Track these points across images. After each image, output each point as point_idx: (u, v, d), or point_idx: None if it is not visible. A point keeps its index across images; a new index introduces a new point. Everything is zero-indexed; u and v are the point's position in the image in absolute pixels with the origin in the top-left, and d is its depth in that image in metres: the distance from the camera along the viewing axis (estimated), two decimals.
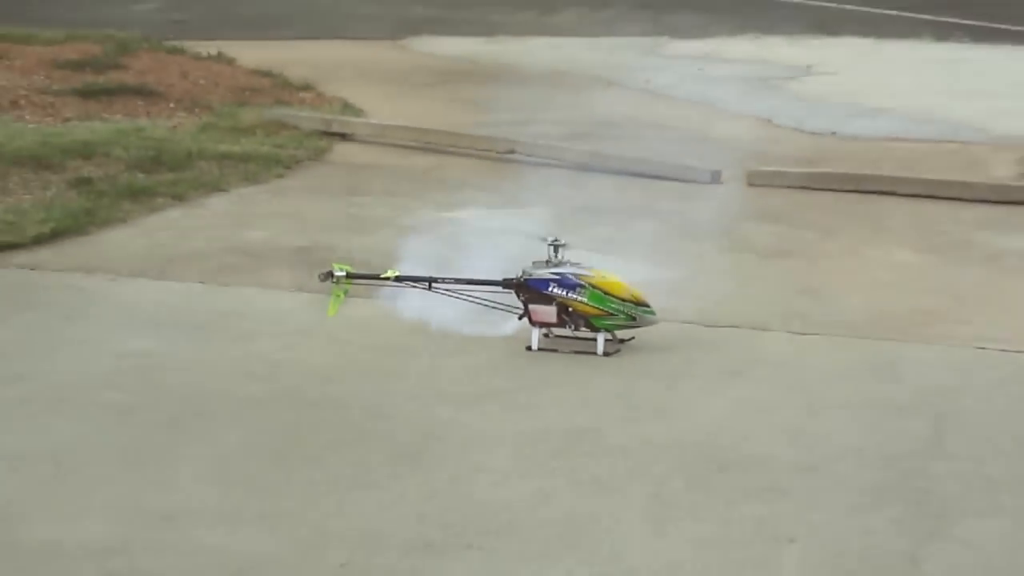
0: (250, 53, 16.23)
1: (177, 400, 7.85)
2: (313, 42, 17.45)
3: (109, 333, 8.78)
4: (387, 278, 8.94)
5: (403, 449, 7.28)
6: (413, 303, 8.97)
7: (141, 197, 11.27)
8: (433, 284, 8.88)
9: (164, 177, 11.70)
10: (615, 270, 8.80)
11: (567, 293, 8.51)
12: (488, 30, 18.56)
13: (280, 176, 12.10)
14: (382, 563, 6.16)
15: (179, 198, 11.37)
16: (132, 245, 10.37)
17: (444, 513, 6.61)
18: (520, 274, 8.65)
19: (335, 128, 13.49)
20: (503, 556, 6.23)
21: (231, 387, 8.05)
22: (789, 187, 11.91)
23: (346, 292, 8.80)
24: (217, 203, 11.36)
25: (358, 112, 14.08)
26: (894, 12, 19.48)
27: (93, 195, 11.19)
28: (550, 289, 8.54)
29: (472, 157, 12.61)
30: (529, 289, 8.58)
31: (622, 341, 8.60)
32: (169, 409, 7.73)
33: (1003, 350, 8.64)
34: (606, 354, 8.49)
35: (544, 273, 8.58)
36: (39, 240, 10.27)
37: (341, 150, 12.90)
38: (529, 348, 8.57)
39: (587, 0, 21.06)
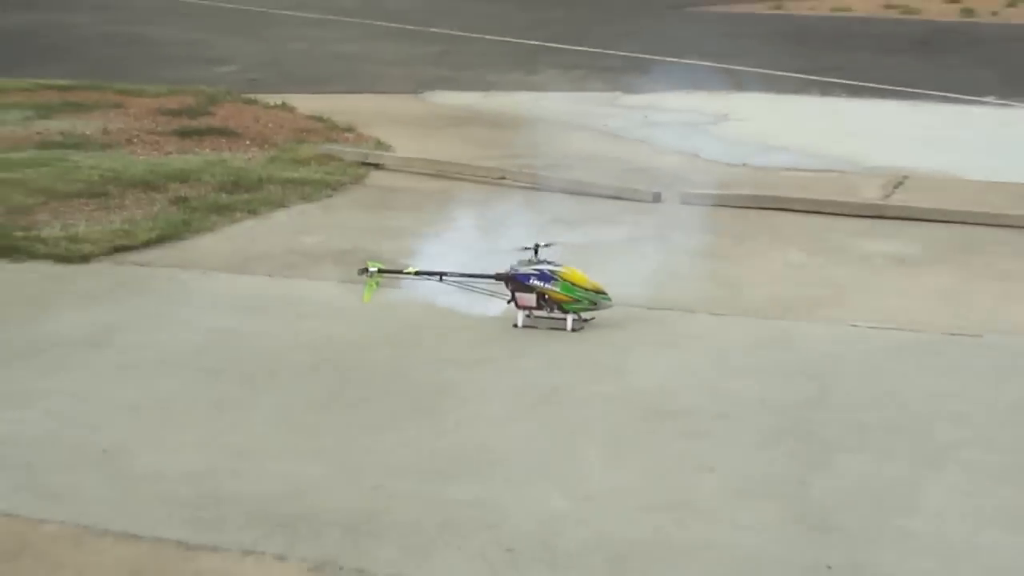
0: (306, 103, 16.22)
1: (251, 364, 7.97)
2: (353, 95, 17.42)
3: (200, 313, 8.87)
4: (408, 272, 9.05)
5: (419, 402, 7.41)
6: (428, 292, 9.06)
7: (224, 212, 11.31)
8: (443, 277, 8.98)
9: (241, 197, 11.72)
10: (581, 266, 8.89)
11: (544, 284, 8.59)
12: (485, 87, 18.55)
13: (329, 196, 12.11)
14: (404, 487, 6.32)
15: (252, 212, 11.40)
16: (217, 248, 10.43)
17: (451, 449, 6.79)
18: (508, 270, 8.75)
19: (370, 160, 13.46)
20: (496, 481, 6.40)
21: (290, 354, 8.14)
22: (712, 205, 11.88)
23: (378, 283, 8.89)
24: (281, 216, 11.39)
25: (388, 147, 14.05)
26: (789, 74, 19.47)
27: (188, 210, 11.24)
28: (531, 281, 8.62)
29: (473, 182, 12.63)
30: (515, 281, 8.67)
31: (585, 320, 8.68)
32: (245, 371, 7.85)
33: (872, 327, 8.73)
34: (573, 330, 8.58)
35: (527, 269, 8.67)
36: (148, 244, 10.36)
37: (375, 176, 12.91)
38: (515, 325, 8.66)
39: (560, 63, 21.01)
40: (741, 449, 6.82)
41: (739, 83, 19.20)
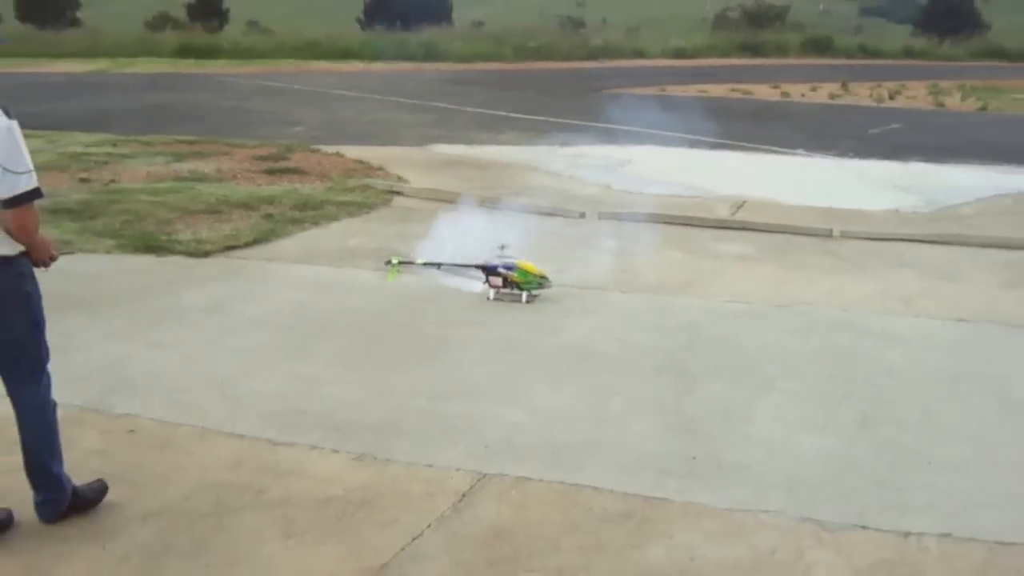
0: (351, 152, 16.14)
1: (313, 323, 7.94)
2: (382, 146, 17.34)
3: (281, 290, 8.83)
4: (418, 262, 9.05)
5: (425, 349, 7.39)
6: (431, 276, 9.06)
7: (297, 223, 11.24)
8: (441, 266, 8.98)
9: (308, 213, 11.65)
10: (532, 260, 8.89)
11: (507, 271, 8.62)
12: (468, 142, 18.51)
13: (367, 213, 12.04)
14: (416, 404, 6.32)
15: (316, 224, 11.33)
16: (293, 247, 10.37)
17: (447, 381, 6.77)
18: (484, 262, 8.76)
19: (394, 189, 13.38)
20: (477, 402, 6.41)
21: (340, 317, 8.11)
22: (619, 220, 11.88)
23: (398, 270, 8.89)
24: (335, 226, 11.33)
25: (406, 181, 13.99)
26: (671, 134, 19.48)
27: (273, 222, 11.18)
28: (499, 269, 8.64)
29: (464, 204, 12.56)
30: (488, 269, 8.69)
31: (535, 295, 8.68)
32: (309, 328, 7.82)
33: (724, 301, 8.75)
34: (526, 302, 8.58)
35: (496, 261, 8.69)
36: (247, 244, 10.31)
37: (398, 200, 12.85)
38: (488, 298, 8.67)
39: (517, 127, 21.00)
40: (638, 381, 6.83)
41: (636, 140, 19.21)
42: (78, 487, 4.86)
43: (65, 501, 4.77)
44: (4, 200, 4.24)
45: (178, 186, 13.06)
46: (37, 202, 4.35)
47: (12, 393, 4.63)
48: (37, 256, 4.51)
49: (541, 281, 8.71)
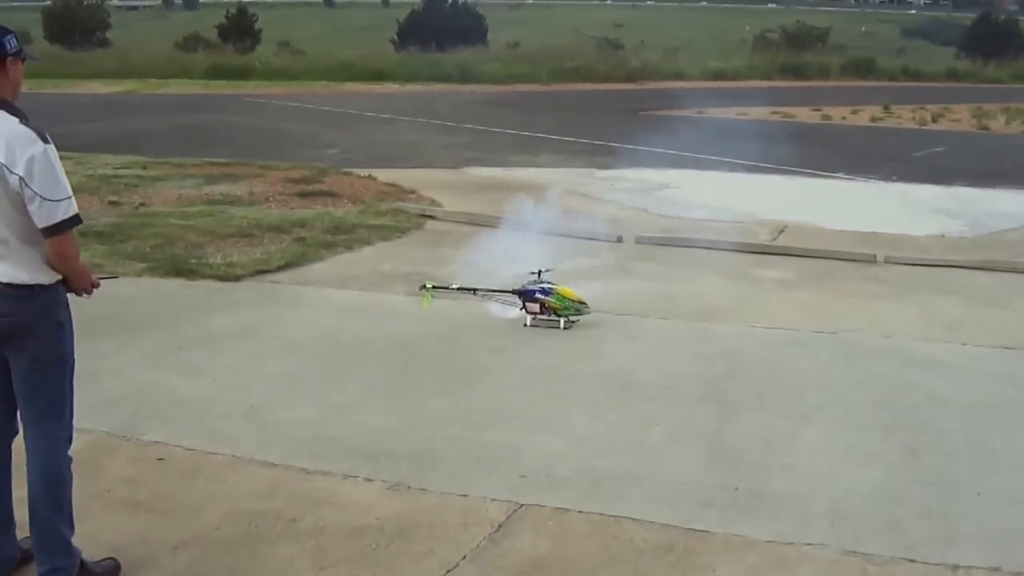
0: (383, 175, 16.16)
1: (347, 349, 7.95)
2: (414, 169, 17.37)
3: (313, 315, 8.86)
4: (453, 287, 9.05)
5: (460, 376, 7.39)
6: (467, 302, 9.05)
7: (330, 247, 11.27)
8: (476, 291, 8.98)
9: (341, 237, 11.69)
10: (570, 285, 8.89)
11: (545, 297, 8.60)
12: (504, 164, 18.53)
13: (400, 236, 12.07)
14: (452, 433, 6.31)
15: (349, 247, 11.36)
16: (326, 271, 10.40)
17: (482, 408, 6.76)
18: (521, 287, 8.75)
19: (427, 213, 13.39)
20: (515, 430, 6.39)
21: (373, 343, 8.12)
22: (657, 244, 11.88)
23: (432, 295, 8.88)
24: (368, 250, 11.35)
25: (439, 204, 14.00)
26: (708, 156, 19.43)
27: (305, 245, 11.21)
28: (536, 295, 8.62)
29: (495, 228, 12.54)
30: (525, 295, 8.67)
31: (573, 322, 8.66)
32: (343, 354, 7.83)
33: (764, 327, 8.72)
34: (564, 328, 8.55)
35: (533, 286, 8.68)
36: (280, 268, 10.34)
37: (431, 224, 12.87)
38: (525, 325, 8.65)
39: (552, 149, 21.00)
40: (677, 409, 6.80)
41: (674, 163, 19.20)
42: (86, 562, 4.53)
43: (72, 573, 4.44)
44: (42, 229, 4.14)
45: (209, 209, 13.13)
46: None
47: (25, 430, 4.39)
48: (77, 285, 4.38)
49: (579, 307, 8.68)
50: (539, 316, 8.66)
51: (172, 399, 6.77)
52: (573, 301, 8.67)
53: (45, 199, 4.09)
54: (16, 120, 4.12)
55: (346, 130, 24.10)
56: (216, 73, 38.68)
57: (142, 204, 13.50)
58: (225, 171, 16.50)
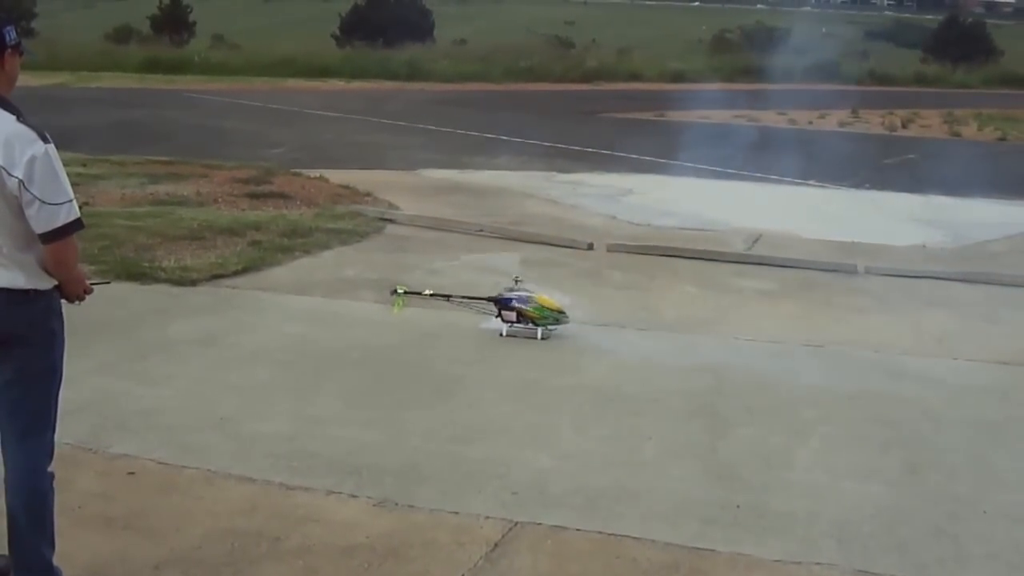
0: (335, 176, 16.08)
1: (316, 358, 7.93)
2: (368, 170, 17.31)
3: (277, 322, 8.82)
4: (426, 293, 9.04)
5: (439, 388, 7.39)
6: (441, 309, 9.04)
7: (286, 251, 11.21)
8: (450, 298, 8.99)
9: (298, 241, 11.62)
10: (547, 294, 8.93)
11: (522, 305, 8.61)
12: (460, 166, 18.52)
13: (359, 241, 12.01)
14: (435, 447, 6.32)
15: (307, 252, 11.30)
16: (284, 276, 10.35)
17: (465, 422, 6.77)
18: (497, 295, 8.76)
19: (387, 216, 13.36)
20: (501, 444, 6.41)
21: (343, 353, 8.09)
22: (628, 252, 11.90)
23: (404, 301, 8.87)
24: (327, 255, 11.30)
25: (397, 208, 13.99)
26: (672, 162, 19.57)
27: (261, 250, 11.14)
28: (513, 303, 8.63)
29: (458, 233, 12.57)
30: (502, 303, 8.68)
31: (551, 331, 8.68)
32: (311, 364, 7.81)
33: (748, 340, 8.80)
34: (542, 338, 8.57)
35: (510, 294, 8.69)
36: (236, 273, 10.25)
37: (391, 228, 12.82)
38: (501, 334, 8.65)
39: (511, 151, 20.95)
40: (668, 424, 6.85)
41: (637, 167, 19.30)
42: None
43: None
44: (42, 234, 4.08)
45: (157, 210, 13.04)
46: None
47: (6, 446, 4.32)
48: (71, 291, 4.34)
49: (558, 316, 8.69)
50: (515, 325, 8.66)
51: (136, 409, 6.72)
52: (551, 310, 8.68)
53: (45, 203, 4.03)
54: (14, 118, 4.04)
55: (292, 128, 24.01)
56: (151, 66, 38.37)
57: (85, 204, 13.35)
58: (169, 170, 16.39)
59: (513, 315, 8.67)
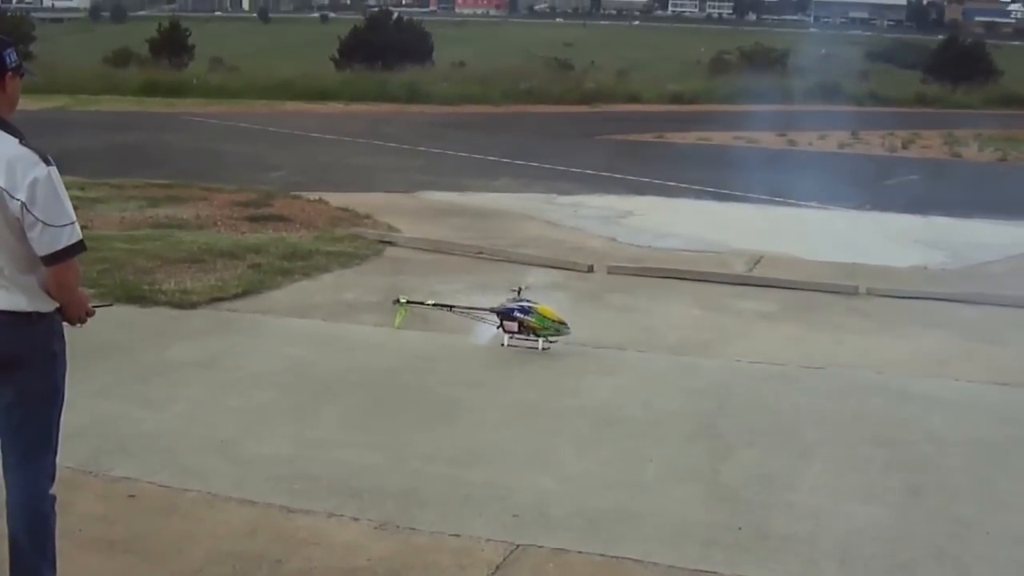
0: (335, 199, 16.11)
1: (316, 381, 7.94)
2: (367, 193, 17.35)
3: (277, 345, 8.84)
4: (428, 304, 9.09)
5: (439, 411, 7.41)
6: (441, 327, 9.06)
7: (286, 274, 11.23)
8: (452, 308, 9.05)
9: (297, 264, 11.65)
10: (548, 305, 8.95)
11: (524, 316, 8.65)
12: (460, 188, 18.56)
13: (359, 264, 12.04)
14: (436, 470, 6.33)
15: (307, 275, 11.32)
16: (284, 299, 10.38)
17: (466, 445, 6.79)
18: (499, 305, 8.80)
19: (386, 239, 13.38)
20: (502, 467, 6.43)
21: (343, 375, 8.12)
22: (629, 274, 11.93)
23: (406, 312, 8.91)
24: (327, 278, 11.32)
25: (397, 230, 14.01)
26: (673, 183, 19.61)
27: (261, 272, 11.18)
28: (515, 313, 8.68)
29: (457, 255, 12.62)
30: (504, 313, 8.73)
31: (552, 343, 8.70)
32: (312, 387, 7.82)
33: (751, 362, 8.81)
34: (543, 349, 8.62)
35: (512, 304, 8.73)
36: (236, 296, 10.28)
37: (390, 251, 12.85)
38: (502, 344, 8.70)
39: (511, 173, 21.05)
40: (669, 445, 6.86)
41: (637, 189, 19.33)
42: None
43: None
44: (44, 256, 4.11)
45: (156, 233, 13.07)
46: None
47: (7, 469, 4.34)
48: (72, 313, 4.36)
49: (559, 328, 8.74)
50: (516, 335, 8.71)
51: (137, 432, 6.74)
52: (553, 321, 8.73)
53: (48, 225, 4.04)
54: (16, 141, 4.07)
55: (291, 151, 24.09)
56: (150, 89, 38.46)
57: (84, 227, 13.21)
58: (168, 193, 16.43)
59: (515, 325, 8.72)
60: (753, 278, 11.98)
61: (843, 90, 47.00)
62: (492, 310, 8.87)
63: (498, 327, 8.81)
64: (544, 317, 8.71)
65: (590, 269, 12.18)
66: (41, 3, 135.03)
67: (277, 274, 11.25)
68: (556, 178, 20.59)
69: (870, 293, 11.42)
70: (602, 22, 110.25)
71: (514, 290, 8.96)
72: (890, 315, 10.63)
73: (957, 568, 5.31)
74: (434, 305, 9.10)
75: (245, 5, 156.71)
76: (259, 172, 19.96)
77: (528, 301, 8.81)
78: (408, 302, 9.01)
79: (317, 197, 16.42)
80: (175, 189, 16.87)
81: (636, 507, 5.87)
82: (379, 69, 45.58)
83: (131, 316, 9.53)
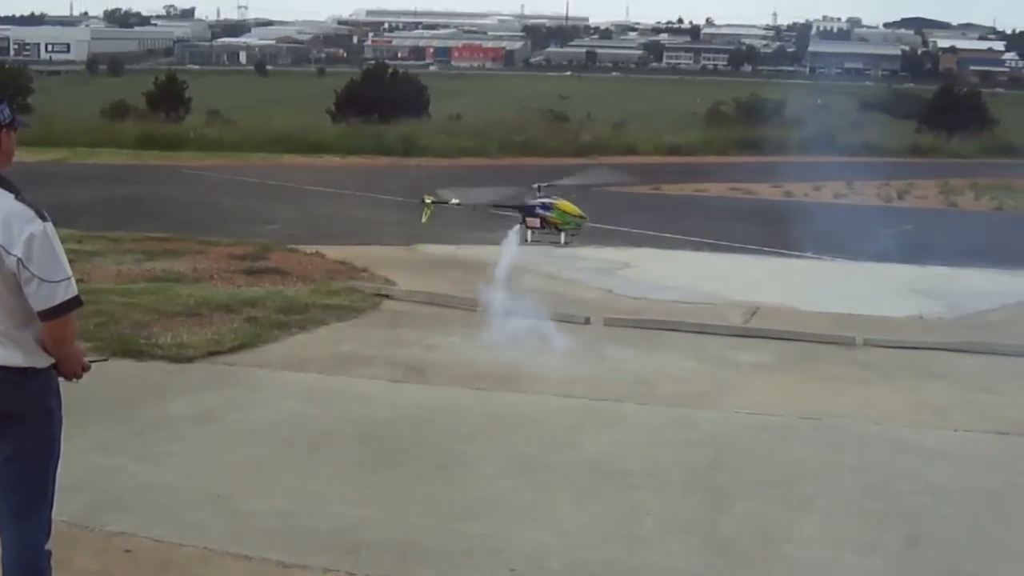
0: (332, 252, 16.14)
1: (313, 435, 7.95)
2: (364, 246, 17.33)
3: (274, 399, 8.86)
4: (455, 202, 9.25)
5: (437, 465, 7.42)
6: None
7: (283, 327, 11.26)
8: (476, 207, 9.24)
9: (294, 317, 11.68)
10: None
11: (545, 212, 8.78)
12: (458, 241, 18.52)
13: (356, 317, 12.07)
14: (434, 524, 6.33)
15: (303, 328, 11.35)
16: (281, 352, 10.40)
17: (463, 499, 6.81)
18: (521, 203, 8.91)
19: (383, 292, 13.42)
20: (499, 520, 6.44)
21: (340, 429, 8.14)
22: (626, 327, 11.97)
23: (432, 210, 9.04)
24: (323, 331, 11.35)
25: (393, 283, 14.04)
26: (669, 235, 19.61)
27: (258, 326, 11.20)
28: (536, 210, 8.82)
29: (455, 309, 12.64)
30: (526, 210, 8.84)
31: (573, 235, 8.80)
32: (309, 440, 7.83)
33: (747, 413, 8.83)
34: (564, 244, 8.76)
35: (533, 202, 8.86)
36: (232, 349, 10.30)
37: (387, 304, 12.89)
38: (526, 241, 8.84)
39: (509, 225, 20.83)
40: (666, 498, 6.87)
41: (634, 241, 19.35)
42: None
43: None
44: (41, 312, 4.13)
45: (153, 287, 13.09)
46: None
47: (3, 524, 4.33)
48: (68, 368, 4.37)
49: (579, 221, 8.89)
50: (540, 230, 8.82)
51: (133, 487, 6.74)
52: (573, 215, 8.89)
53: (44, 281, 4.08)
54: (12, 196, 4.11)
55: (288, 205, 24.16)
56: (147, 142, 38.57)
57: (80, 280, 13.27)
58: (165, 246, 16.47)
59: (537, 222, 8.86)
60: (750, 329, 12.01)
61: (838, 141, 47.22)
62: (515, 207, 9.01)
63: (521, 223, 8.91)
64: (565, 213, 8.88)
65: (587, 321, 12.21)
66: (39, 56, 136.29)
67: (274, 327, 11.26)
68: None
69: (867, 344, 11.44)
70: (598, 74, 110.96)
71: (534, 186, 9.08)
72: (888, 365, 10.64)
73: None
74: (459, 205, 9.25)
75: (242, 59, 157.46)
76: (255, 225, 20.02)
77: (549, 197, 8.93)
78: (434, 202, 9.15)
79: (314, 250, 16.46)
80: (172, 242, 16.91)
81: (634, 560, 5.87)
82: (375, 122, 45.77)
83: (127, 370, 9.53)
